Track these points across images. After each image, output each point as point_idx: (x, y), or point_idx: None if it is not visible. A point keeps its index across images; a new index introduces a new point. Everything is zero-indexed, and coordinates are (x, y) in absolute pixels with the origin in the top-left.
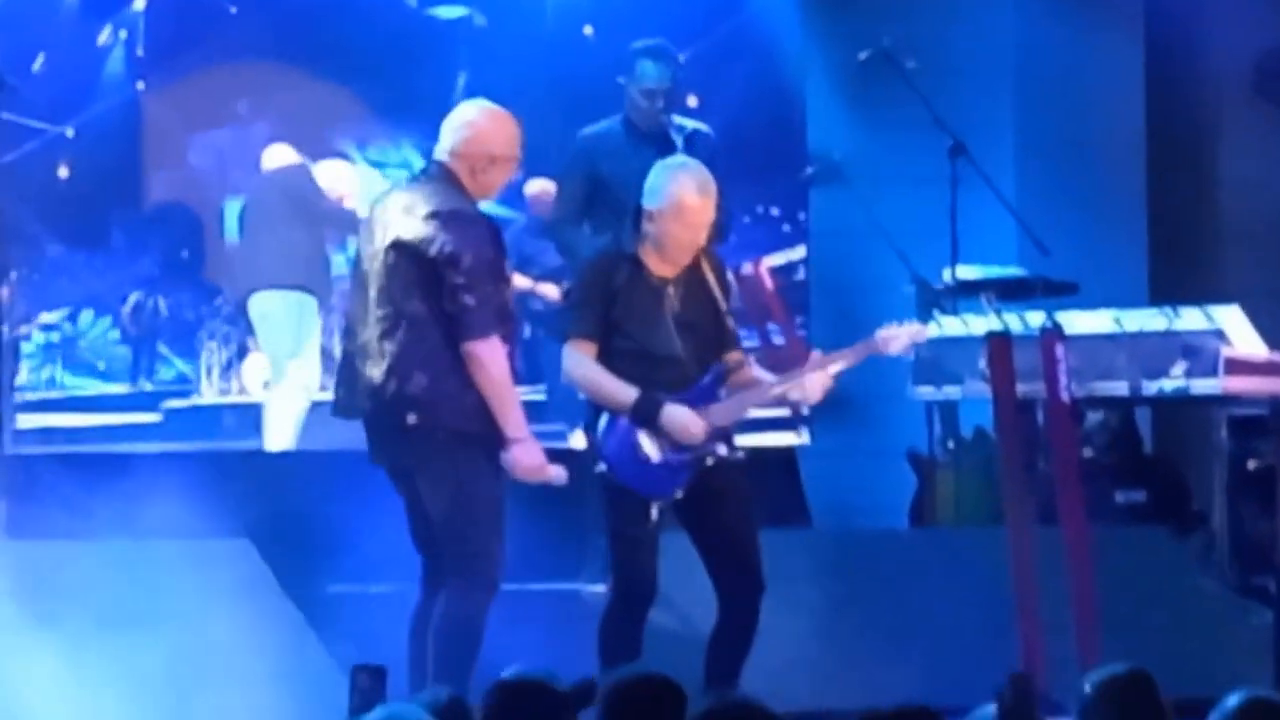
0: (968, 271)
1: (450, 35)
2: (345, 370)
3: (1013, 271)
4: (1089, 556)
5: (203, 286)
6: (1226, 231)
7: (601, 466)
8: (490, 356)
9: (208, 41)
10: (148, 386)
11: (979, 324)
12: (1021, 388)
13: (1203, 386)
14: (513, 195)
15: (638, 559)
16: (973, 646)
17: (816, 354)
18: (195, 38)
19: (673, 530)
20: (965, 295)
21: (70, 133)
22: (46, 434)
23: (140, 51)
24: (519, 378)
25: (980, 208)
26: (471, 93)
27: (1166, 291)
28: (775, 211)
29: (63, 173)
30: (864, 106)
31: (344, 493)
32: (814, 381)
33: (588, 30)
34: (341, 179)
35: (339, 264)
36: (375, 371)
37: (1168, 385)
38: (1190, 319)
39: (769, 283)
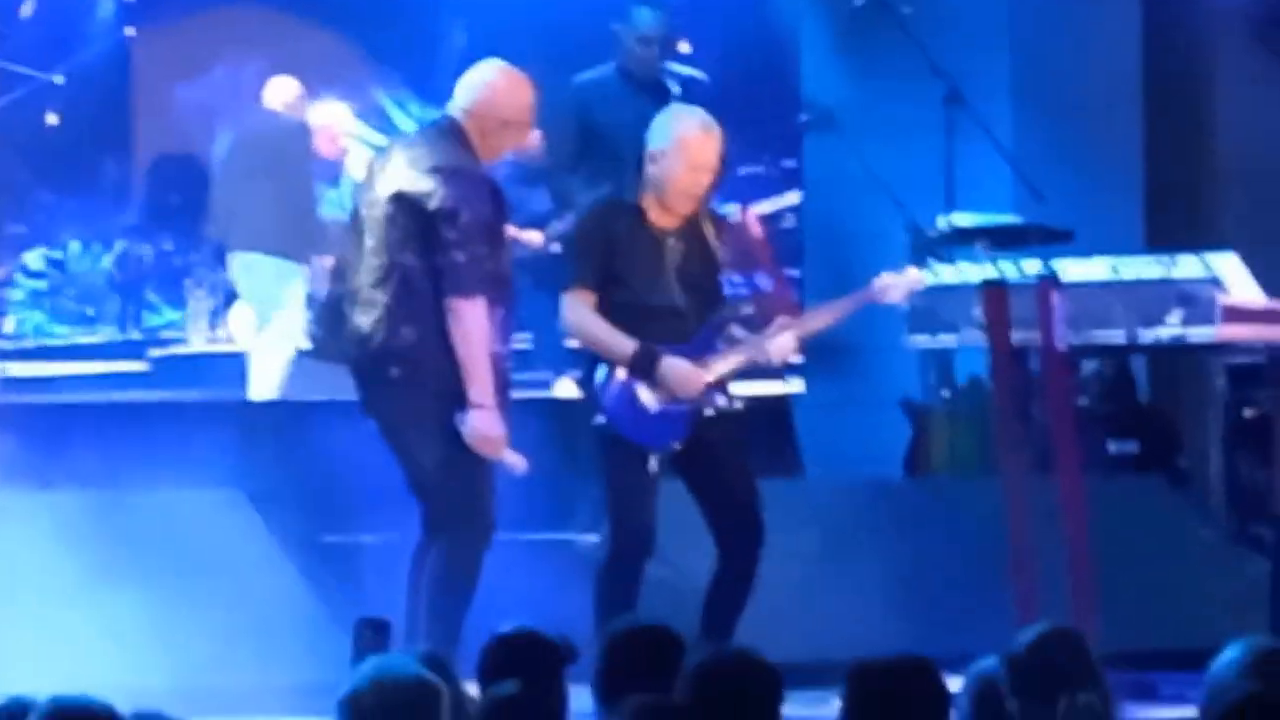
0: (963, 219)
1: None
2: (328, 313)
3: (1008, 219)
4: (1084, 505)
5: (191, 233)
6: (1223, 179)
7: (600, 418)
8: (471, 315)
9: None
10: (136, 335)
11: (974, 272)
12: (1017, 336)
13: (1199, 334)
14: None
15: (636, 511)
16: (967, 596)
17: (781, 318)
18: None
19: (666, 481)
20: (960, 243)
21: (59, 79)
22: (34, 383)
23: None
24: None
25: (976, 155)
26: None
27: (1163, 239)
28: (765, 158)
29: (51, 120)
30: (859, 53)
31: (337, 442)
32: (777, 345)
33: None
34: (338, 118)
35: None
36: (364, 320)
37: (1164, 333)
38: (1187, 267)
39: (758, 230)
